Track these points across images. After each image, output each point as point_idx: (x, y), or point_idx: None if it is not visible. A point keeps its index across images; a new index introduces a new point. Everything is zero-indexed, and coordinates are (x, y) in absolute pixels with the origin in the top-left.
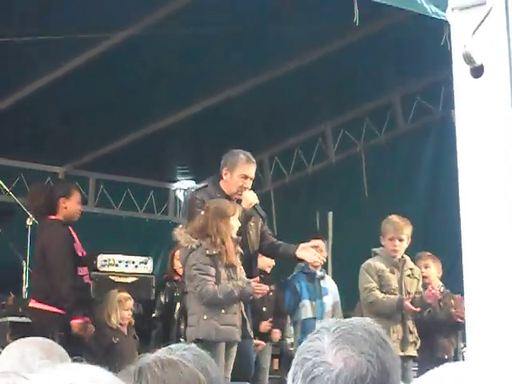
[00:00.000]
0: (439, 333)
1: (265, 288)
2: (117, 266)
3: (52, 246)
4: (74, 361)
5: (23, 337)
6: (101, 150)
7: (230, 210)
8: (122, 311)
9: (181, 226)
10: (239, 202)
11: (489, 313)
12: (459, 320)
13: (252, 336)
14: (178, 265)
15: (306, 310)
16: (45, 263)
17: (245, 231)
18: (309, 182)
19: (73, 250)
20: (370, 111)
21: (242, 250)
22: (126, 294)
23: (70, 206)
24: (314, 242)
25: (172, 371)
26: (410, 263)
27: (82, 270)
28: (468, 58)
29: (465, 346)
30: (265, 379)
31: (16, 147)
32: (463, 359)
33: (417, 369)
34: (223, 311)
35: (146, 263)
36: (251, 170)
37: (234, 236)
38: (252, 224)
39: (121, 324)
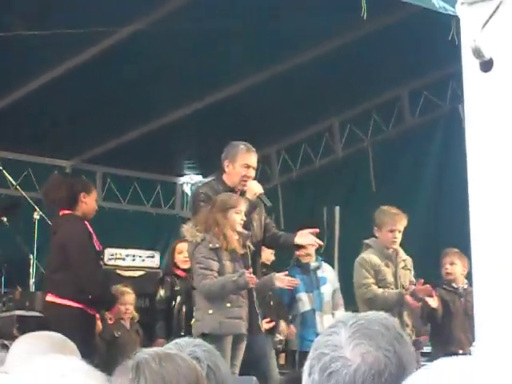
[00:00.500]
0: (454, 328)
1: (255, 279)
2: (124, 260)
3: (76, 241)
4: None
5: (31, 330)
6: (108, 144)
7: (231, 202)
8: (118, 306)
9: (189, 222)
10: (243, 193)
11: (498, 308)
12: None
13: (262, 330)
14: (178, 258)
15: (304, 302)
16: (65, 258)
17: (249, 222)
18: (316, 177)
19: (93, 245)
20: (377, 106)
21: (252, 246)
22: (124, 289)
23: (90, 202)
24: (310, 230)
25: (170, 366)
26: (402, 254)
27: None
28: (477, 52)
29: None
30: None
31: (23, 141)
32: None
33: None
34: (228, 305)
35: (153, 257)
36: (252, 158)
37: (238, 229)
38: (256, 216)
39: (121, 318)
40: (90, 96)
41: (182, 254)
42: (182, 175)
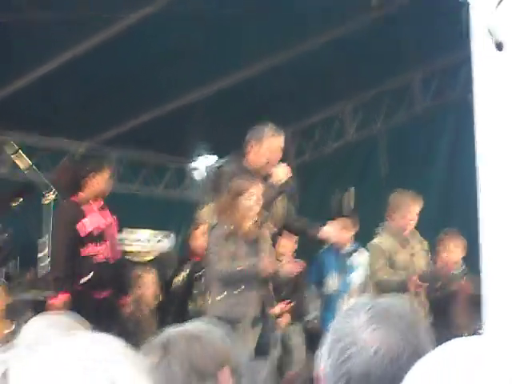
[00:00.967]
0: (453, 311)
1: (274, 263)
2: (139, 241)
3: (54, 226)
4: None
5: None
6: (122, 127)
7: (243, 186)
8: (136, 289)
9: (205, 205)
10: (263, 177)
11: (506, 290)
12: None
13: (273, 316)
14: (195, 243)
15: (331, 283)
16: None
17: (270, 207)
18: (328, 161)
19: (73, 230)
20: (389, 90)
21: (274, 228)
22: (141, 272)
23: (101, 181)
24: (339, 222)
25: (198, 347)
26: (418, 236)
27: (92, 249)
28: (490, 33)
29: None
30: (300, 357)
31: (38, 124)
32: None
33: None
34: (238, 290)
35: (166, 239)
36: (280, 141)
37: (252, 212)
38: (278, 202)
39: (141, 302)
40: (103, 78)
41: (198, 240)
42: (195, 159)
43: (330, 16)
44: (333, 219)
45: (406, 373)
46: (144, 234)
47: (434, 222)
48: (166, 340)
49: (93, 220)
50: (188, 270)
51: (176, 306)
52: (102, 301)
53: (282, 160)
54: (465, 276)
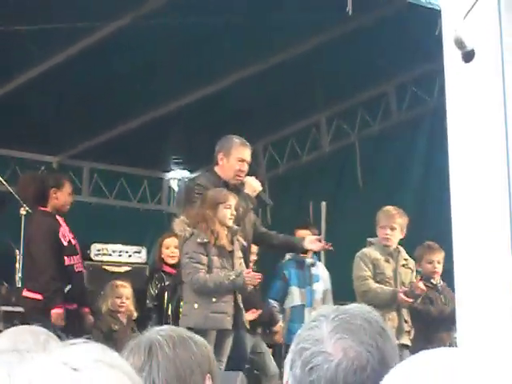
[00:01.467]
0: (434, 325)
1: (257, 277)
2: (110, 255)
3: (34, 236)
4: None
5: (16, 326)
6: (95, 140)
7: (221, 197)
8: (113, 299)
9: (180, 215)
10: (235, 189)
11: (479, 302)
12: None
13: (247, 326)
14: (165, 253)
15: (294, 296)
16: (30, 253)
17: (244, 217)
18: (302, 172)
19: (56, 240)
20: (364, 101)
21: (243, 241)
22: (119, 282)
23: (61, 197)
24: (316, 237)
25: (184, 352)
26: (404, 254)
27: (72, 259)
28: (459, 43)
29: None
30: (270, 360)
31: (10, 137)
32: None
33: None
34: (214, 299)
35: (139, 252)
36: (247, 152)
37: (229, 224)
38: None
39: (118, 312)
40: (76, 91)
41: (169, 249)
42: (168, 171)
43: (306, 28)
44: (296, 229)
45: (372, 381)
46: (116, 247)
47: (408, 233)
48: (151, 342)
49: (65, 233)
50: (159, 281)
51: (152, 320)
52: (72, 312)
53: (254, 173)
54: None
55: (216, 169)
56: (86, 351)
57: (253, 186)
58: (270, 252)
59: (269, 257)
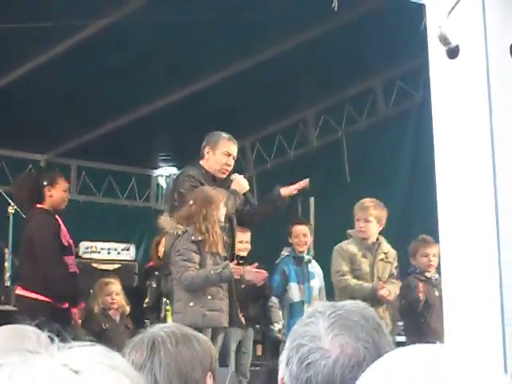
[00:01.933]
0: (425, 319)
1: (240, 269)
2: (99, 253)
3: (39, 235)
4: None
5: (5, 324)
6: (82, 138)
7: (219, 197)
8: (103, 297)
9: (165, 213)
10: (222, 183)
11: (465, 298)
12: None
13: (243, 322)
14: (162, 253)
15: (294, 293)
16: (32, 252)
17: (230, 215)
18: (290, 168)
19: (59, 240)
20: (351, 97)
21: (227, 238)
22: (107, 280)
23: (56, 194)
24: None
25: (186, 349)
26: (384, 246)
27: (68, 259)
28: (443, 39)
29: None
30: (247, 364)
31: None
32: None
33: None
34: (209, 297)
35: (128, 250)
36: (233, 147)
37: (222, 222)
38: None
39: (110, 309)
40: (63, 89)
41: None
42: (156, 168)
43: (292, 24)
44: (292, 225)
45: None
46: (105, 244)
47: (396, 228)
48: (154, 338)
49: (65, 233)
50: (156, 280)
51: (148, 314)
52: (64, 311)
53: (242, 169)
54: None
55: (202, 162)
56: (88, 353)
57: (241, 184)
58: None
59: (267, 253)
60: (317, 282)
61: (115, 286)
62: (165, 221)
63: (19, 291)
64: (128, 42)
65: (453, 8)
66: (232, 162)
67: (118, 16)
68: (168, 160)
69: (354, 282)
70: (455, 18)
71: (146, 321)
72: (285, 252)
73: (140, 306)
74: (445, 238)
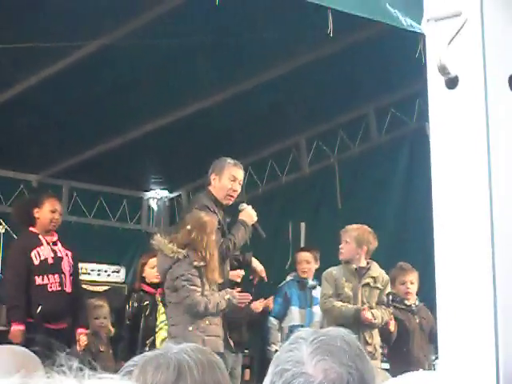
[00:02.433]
0: (412, 347)
1: (247, 296)
2: (89, 274)
3: (7, 255)
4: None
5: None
6: (75, 159)
7: (213, 222)
8: (92, 320)
9: (158, 234)
10: (225, 208)
11: (460, 325)
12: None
13: (232, 346)
14: (150, 273)
15: (294, 316)
16: None
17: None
18: (282, 193)
19: (25, 259)
20: (344, 123)
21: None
22: (96, 302)
23: (42, 215)
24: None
25: (210, 378)
26: (374, 271)
27: (45, 279)
28: (443, 69)
29: (436, 358)
30: None
31: None
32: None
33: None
34: (207, 322)
35: (118, 272)
36: (239, 172)
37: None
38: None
39: (99, 332)
40: (56, 110)
41: (154, 269)
42: (148, 190)
43: (286, 49)
44: (297, 252)
45: None
46: (95, 266)
47: (387, 255)
48: (179, 364)
49: (43, 252)
50: (137, 300)
51: (129, 336)
52: (57, 332)
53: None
54: (419, 311)
55: (210, 188)
56: None
57: (251, 214)
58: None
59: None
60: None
61: (103, 309)
62: (161, 243)
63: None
64: (120, 65)
65: (452, 38)
66: (238, 188)
67: (111, 38)
68: (160, 183)
69: (338, 304)
70: (455, 48)
71: (121, 342)
72: (289, 277)
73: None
74: (441, 266)
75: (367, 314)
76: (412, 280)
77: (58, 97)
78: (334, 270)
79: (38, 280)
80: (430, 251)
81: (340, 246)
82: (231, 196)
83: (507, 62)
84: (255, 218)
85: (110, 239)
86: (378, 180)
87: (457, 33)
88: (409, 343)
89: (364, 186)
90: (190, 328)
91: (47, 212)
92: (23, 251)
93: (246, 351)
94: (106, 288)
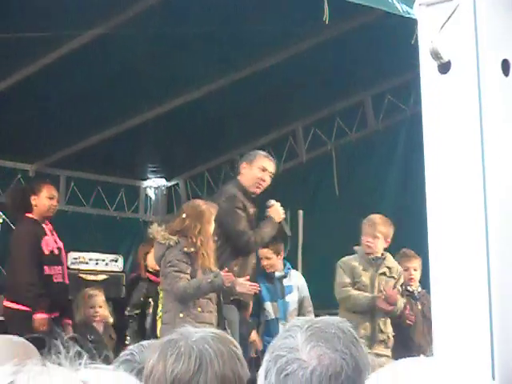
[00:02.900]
0: (414, 333)
1: (231, 276)
2: (87, 263)
3: (15, 244)
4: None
5: None
6: (72, 148)
7: (211, 211)
8: (86, 309)
9: (155, 224)
10: (254, 199)
11: (454, 311)
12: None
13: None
14: (152, 261)
15: (268, 311)
16: (11, 262)
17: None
18: (279, 181)
19: (37, 248)
20: (340, 110)
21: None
22: (92, 291)
23: (40, 202)
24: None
25: (230, 372)
26: (389, 262)
27: (52, 269)
28: (435, 54)
29: None
30: None
31: None
32: None
33: None
34: (199, 309)
35: (116, 261)
36: (270, 164)
37: (214, 239)
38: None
39: (93, 321)
40: (53, 100)
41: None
42: (145, 179)
43: (282, 37)
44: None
45: None
46: (93, 255)
47: None
48: (200, 355)
49: (49, 242)
50: (144, 289)
51: (134, 324)
52: (53, 321)
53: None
54: (422, 297)
55: (239, 178)
56: (111, 375)
57: (279, 211)
58: None
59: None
60: (295, 295)
61: (98, 298)
62: (156, 231)
63: (4, 302)
64: (117, 54)
65: (445, 23)
66: (268, 179)
67: (108, 27)
68: (157, 171)
69: (355, 292)
70: (447, 33)
71: (128, 330)
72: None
73: (124, 316)
74: (435, 251)
75: (384, 302)
76: (415, 267)
77: (55, 86)
78: (349, 259)
79: (47, 270)
80: (426, 237)
81: (368, 240)
82: (260, 185)
83: (500, 46)
84: (283, 216)
85: (108, 228)
86: (376, 167)
87: (449, 18)
88: (410, 329)
89: (361, 173)
90: (181, 315)
91: (45, 199)
92: (32, 240)
93: None
94: (104, 277)
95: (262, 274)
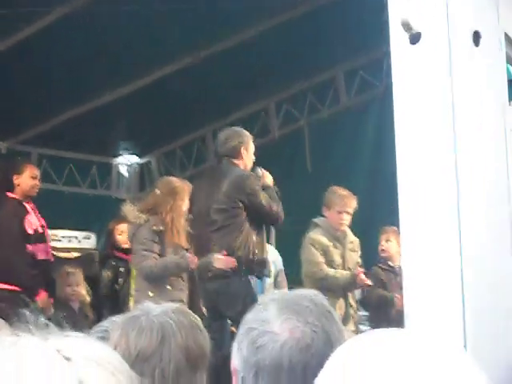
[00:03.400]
0: (390, 306)
1: (196, 258)
2: (60, 241)
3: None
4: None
5: None
6: (43, 125)
7: (184, 188)
8: (64, 286)
9: (128, 202)
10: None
11: (426, 281)
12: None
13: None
14: (120, 239)
15: None
16: None
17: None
18: None
19: (20, 228)
20: (313, 86)
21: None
22: (69, 269)
23: (23, 181)
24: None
25: (193, 344)
26: (350, 236)
27: (37, 247)
28: (406, 25)
29: None
30: None
31: None
32: None
33: None
34: (169, 287)
35: (89, 238)
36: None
37: (188, 216)
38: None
39: (70, 300)
40: (24, 77)
41: (122, 235)
42: (117, 156)
43: (253, 13)
44: None
45: (317, 361)
46: (66, 233)
47: (358, 218)
48: (162, 328)
49: (33, 221)
50: (112, 266)
51: (105, 302)
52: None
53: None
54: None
55: (239, 162)
56: (84, 343)
57: (270, 178)
58: None
59: None
60: (271, 269)
61: (76, 276)
62: (128, 210)
63: None
64: (89, 31)
65: None
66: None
67: (78, 4)
68: (129, 148)
69: (331, 271)
70: (418, 4)
71: (104, 309)
72: None
73: (99, 294)
74: (405, 227)
75: (363, 277)
76: (388, 237)
77: (26, 64)
78: (319, 236)
79: (30, 248)
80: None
81: (343, 218)
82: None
83: (471, 17)
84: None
85: (80, 206)
86: (348, 142)
87: None
88: (390, 305)
89: (334, 149)
90: (150, 293)
91: (28, 178)
92: (15, 220)
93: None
94: (77, 255)
95: None
